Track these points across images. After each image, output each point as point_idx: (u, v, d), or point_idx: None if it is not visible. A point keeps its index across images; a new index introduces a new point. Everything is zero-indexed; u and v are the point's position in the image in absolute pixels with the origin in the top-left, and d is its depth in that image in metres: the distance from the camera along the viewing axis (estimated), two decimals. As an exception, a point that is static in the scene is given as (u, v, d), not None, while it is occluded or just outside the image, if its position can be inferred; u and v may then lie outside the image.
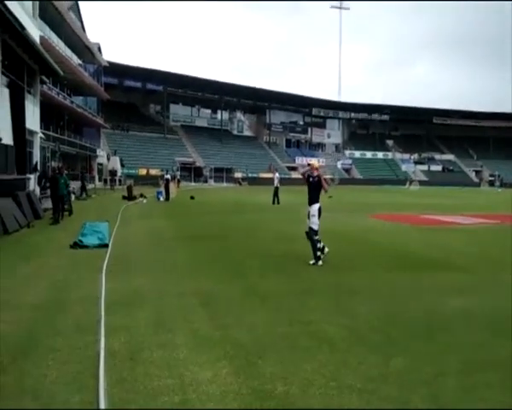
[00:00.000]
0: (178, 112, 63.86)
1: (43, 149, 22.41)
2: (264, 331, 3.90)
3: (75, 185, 22.12)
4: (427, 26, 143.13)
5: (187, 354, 3.37)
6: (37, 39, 17.69)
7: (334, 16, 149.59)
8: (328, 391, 2.82)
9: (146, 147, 52.55)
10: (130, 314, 4.33)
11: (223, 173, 51.92)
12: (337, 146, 75.65)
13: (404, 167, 71.07)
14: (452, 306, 4.80)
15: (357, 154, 72.66)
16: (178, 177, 42.22)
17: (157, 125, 58.58)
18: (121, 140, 51.33)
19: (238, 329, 3.94)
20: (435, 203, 23.41)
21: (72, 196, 17.32)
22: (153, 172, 44.88)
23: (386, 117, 74.48)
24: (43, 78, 20.91)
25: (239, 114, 70.00)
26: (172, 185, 25.44)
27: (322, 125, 75.68)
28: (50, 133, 26.40)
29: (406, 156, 73.71)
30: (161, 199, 22.63)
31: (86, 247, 8.12)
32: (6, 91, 14.43)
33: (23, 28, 13.53)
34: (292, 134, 73.27)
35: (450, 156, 74.57)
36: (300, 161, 60.44)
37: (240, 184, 49.29)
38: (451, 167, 72.14)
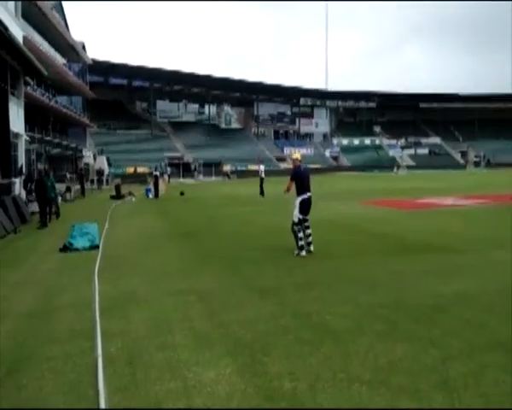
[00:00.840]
0: (165, 108, 63.13)
1: (28, 151, 21.90)
2: (265, 326, 3.80)
3: (61, 187, 21.67)
4: (412, 11, 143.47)
5: (188, 355, 3.25)
6: (21, 40, 17.22)
7: (320, 4, 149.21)
8: (338, 384, 2.74)
9: (133, 145, 51.78)
10: (126, 317, 4.20)
11: (211, 168, 51.49)
12: (325, 135, 75.72)
13: (391, 153, 71.51)
14: (452, 288, 4.78)
15: (345, 141, 72.88)
16: (168, 173, 41.81)
17: (144, 123, 57.90)
18: (108, 139, 50.49)
19: (239, 325, 3.83)
20: (424, 187, 23.58)
21: (59, 199, 16.93)
22: (140, 169, 44.37)
23: (372, 104, 74.54)
24: (28, 79, 20.42)
25: (226, 108, 69.42)
26: (161, 182, 25.11)
27: (310, 115, 75.62)
28: (35, 135, 25.84)
29: (393, 142, 74.15)
30: (150, 196, 22.31)
31: (76, 249, 7.94)
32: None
33: (6, 29, 13.10)
34: (280, 125, 73.08)
35: (437, 140, 75.13)
36: (289, 151, 60.29)
37: (228, 177, 48.86)
38: (437, 150, 72.73)
